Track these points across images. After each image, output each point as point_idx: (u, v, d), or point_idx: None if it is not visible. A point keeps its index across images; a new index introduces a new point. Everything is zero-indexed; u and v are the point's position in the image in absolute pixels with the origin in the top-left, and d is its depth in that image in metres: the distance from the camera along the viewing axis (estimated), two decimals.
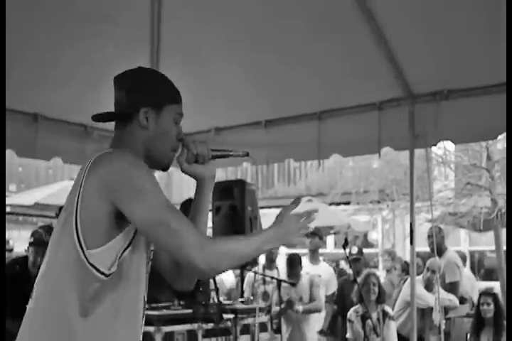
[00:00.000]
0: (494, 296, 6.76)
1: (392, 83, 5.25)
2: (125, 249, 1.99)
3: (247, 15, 5.08)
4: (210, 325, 4.85)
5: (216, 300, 5.07)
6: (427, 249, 8.06)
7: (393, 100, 5.41)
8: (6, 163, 4.99)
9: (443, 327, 6.27)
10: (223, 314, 4.90)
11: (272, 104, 5.91)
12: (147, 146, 2.15)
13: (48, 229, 6.04)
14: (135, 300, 2.09)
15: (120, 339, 2.02)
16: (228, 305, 5.30)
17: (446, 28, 4.74)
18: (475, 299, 7.59)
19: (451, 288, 7.64)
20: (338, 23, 4.92)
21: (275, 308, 6.07)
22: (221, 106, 6.09)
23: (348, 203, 13.52)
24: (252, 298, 5.56)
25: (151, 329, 4.56)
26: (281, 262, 7.33)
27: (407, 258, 6.97)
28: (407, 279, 7.06)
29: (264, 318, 5.07)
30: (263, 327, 4.98)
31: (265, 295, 6.29)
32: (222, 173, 14.31)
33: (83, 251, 1.93)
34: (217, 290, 5.21)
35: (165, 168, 2.24)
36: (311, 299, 6.45)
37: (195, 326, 4.82)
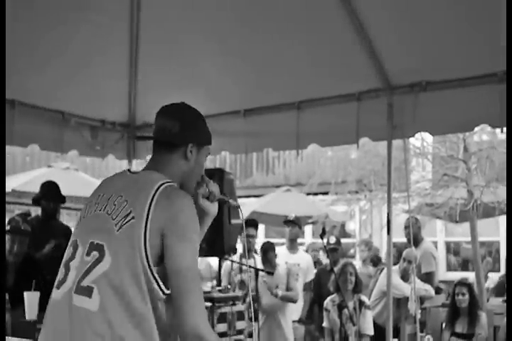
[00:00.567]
0: (469, 286, 6.84)
1: (371, 74, 5.27)
2: None
3: (225, 5, 5.07)
4: None
5: None
6: (404, 240, 8.12)
7: (372, 91, 5.43)
8: None
9: (418, 316, 6.33)
10: None
11: (251, 93, 5.91)
12: (184, 176, 2.45)
13: (25, 217, 6.02)
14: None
15: None
16: (205, 293, 5.30)
17: (425, 19, 4.76)
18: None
19: (427, 278, 7.72)
20: (317, 13, 4.92)
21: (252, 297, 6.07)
22: (200, 95, 6.07)
23: (326, 193, 13.56)
24: (229, 286, 5.57)
25: None
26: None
27: (384, 248, 7.02)
28: (383, 269, 7.11)
29: (241, 307, 5.08)
30: (240, 316, 4.99)
31: (242, 284, 6.30)
32: None
33: (150, 267, 2.20)
34: None
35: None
36: (288, 289, 6.47)
37: None
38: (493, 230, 14.16)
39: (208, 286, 5.59)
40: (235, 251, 4.91)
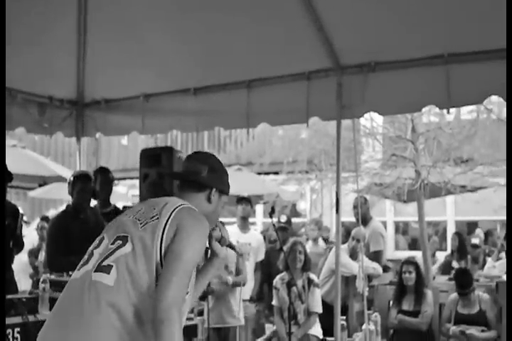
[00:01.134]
0: (416, 265, 6.96)
1: (321, 54, 5.29)
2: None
3: None
4: None
5: None
6: (353, 219, 8.19)
7: (321, 71, 5.45)
8: None
9: (366, 294, 6.41)
10: None
11: (201, 71, 5.88)
12: (203, 214, 2.68)
13: None
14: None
15: None
16: None
17: (375, 0, 4.79)
18: None
19: (375, 256, 7.81)
20: None
21: None
22: (150, 73, 6.03)
23: (277, 173, 13.60)
24: None
25: None
26: None
27: (334, 227, 7.09)
28: (332, 248, 7.17)
29: None
30: None
31: None
32: (151, 140, 14.16)
33: (161, 263, 2.46)
34: None
35: None
36: (237, 269, 6.46)
37: None
38: (440, 210, 14.40)
39: None
40: None
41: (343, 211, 5.54)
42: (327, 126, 9.81)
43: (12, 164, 6.44)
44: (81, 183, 5.45)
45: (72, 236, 5.35)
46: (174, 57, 5.74)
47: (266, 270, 7.69)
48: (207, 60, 5.69)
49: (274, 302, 6.46)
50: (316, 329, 6.33)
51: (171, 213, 2.55)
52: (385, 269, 8.11)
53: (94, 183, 5.66)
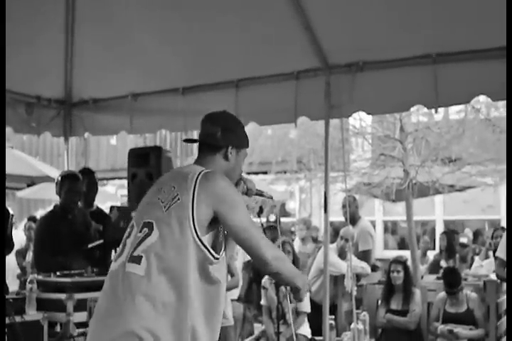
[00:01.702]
0: (404, 264, 6.96)
1: (309, 53, 5.29)
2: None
3: None
4: None
5: None
6: (342, 219, 8.20)
7: (310, 70, 5.45)
8: None
9: (355, 293, 6.41)
10: None
11: (189, 71, 5.87)
12: (224, 174, 2.76)
13: None
14: (221, 293, 2.72)
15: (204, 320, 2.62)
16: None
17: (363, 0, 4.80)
18: None
19: (364, 255, 7.83)
20: None
21: None
22: (138, 73, 6.02)
23: (266, 172, 13.60)
24: None
25: (62, 296, 4.50)
26: None
27: (323, 227, 7.10)
28: (321, 247, 7.18)
29: None
30: None
31: None
32: (140, 140, 14.13)
33: (199, 238, 2.57)
34: None
35: None
36: (230, 272, 6.44)
37: None
38: (428, 209, 14.45)
39: None
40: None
41: (332, 210, 5.55)
42: (316, 125, 9.82)
43: None
44: (69, 183, 5.43)
45: (60, 236, 5.33)
46: (162, 57, 5.72)
47: (255, 269, 7.69)
48: (195, 60, 5.68)
49: (262, 302, 6.46)
50: (305, 329, 6.34)
51: (194, 189, 2.62)
52: (374, 268, 8.13)
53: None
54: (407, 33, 4.91)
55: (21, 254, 8.85)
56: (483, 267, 8.53)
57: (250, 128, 9.26)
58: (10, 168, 8.67)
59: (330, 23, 5.07)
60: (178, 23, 5.35)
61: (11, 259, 8.46)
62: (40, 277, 4.78)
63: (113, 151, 17.06)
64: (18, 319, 4.22)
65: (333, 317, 5.98)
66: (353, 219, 7.87)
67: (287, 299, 6.21)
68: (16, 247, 8.54)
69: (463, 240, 10.03)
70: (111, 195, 14.31)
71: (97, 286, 4.71)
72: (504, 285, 6.69)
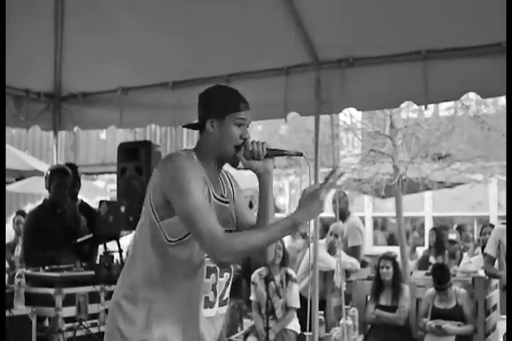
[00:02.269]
0: (393, 260, 6.98)
1: (299, 49, 5.28)
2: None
3: None
4: (113, 287, 4.81)
5: (120, 262, 5.04)
6: (332, 215, 8.20)
7: (300, 66, 5.45)
8: None
9: (344, 289, 6.42)
10: None
11: (180, 65, 5.85)
12: (215, 147, 2.64)
13: None
14: (186, 273, 2.57)
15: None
16: None
17: None
18: None
19: (353, 251, 7.84)
20: None
21: None
22: (128, 67, 5.99)
23: None
24: None
25: (51, 291, 4.50)
26: None
27: (312, 222, 7.10)
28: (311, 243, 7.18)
29: None
30: None
31: None
32: (130, 134, 14.09)
33: (157, 220, 2.53)
34: (120, 252, 5.18)
35: (233, 164, 2.68)
36: None
37: (97, 288, 4.78)
38: (418, 205, 14.50)
39: None
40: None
41: None
42: (306, 121, 9.83)
43: None
44: (58, 178, 5.42)
45: (49, 230, 5.33)
46: (152, 51, 5.70)
47: (244, 265, 7.70)
48: (185, 54, 5.67)
49: (251, 297, 6.46)
50: (294, 324, 6.35)
51: (157, 173, 2.56)
52: (363, 264, 8.14)
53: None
54: (397, 29, 4.92)
55: (10, 248, 8.82)
56: (472, 263, 8.56)
57: None
58: None
59: (320, 19, 5.06)
60: (168, 18, 5.34)
61: None
62: (28, 271, 4.77)
63: (103, 146, 17.01)
64: (6, 313, 4.21)
65: (322, 312, 5.99)
66: (343, 215, 7.88)
67: (277, 294, 6.23)
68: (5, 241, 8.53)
69: (452, 236, 10.06)
70: (100, 190, 14.26)
71: (86, 281, 4.77)
72: (492, 282, 6.73)
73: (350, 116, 9.91)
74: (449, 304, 6.51)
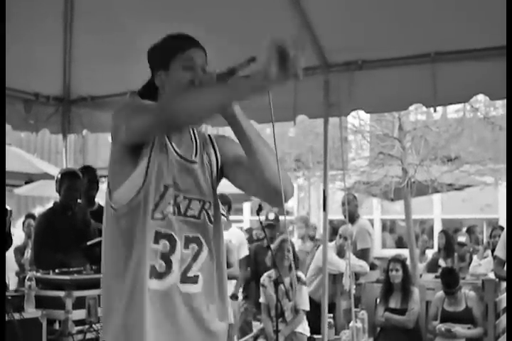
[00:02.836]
0: (402, 263, 6.98)
1: (308, 51, 5.27)
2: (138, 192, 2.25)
3: None
4: None
5: None
6: (340, 217, 8.21)
7: (309, 68, 5.44)
8: None
9: (353, 292, 6.43)
10: None
11: None
12: (169, 93, 2.31)
13: None
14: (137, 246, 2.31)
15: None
16: None
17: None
18: None
19: (362, 254, 7.83)
20: None
21: None
22: (137, 70, 5.98)
23: None
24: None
25: (61, 293, 4.52)
26: None
27: (321, 225, 7.10)
28: (319, 246, 7.18)
29: None
30: None
31: None
32: None
33: (109, 190, 2.34)
34: None
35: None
36: (228, 262, 6.45)
37: None
38: (427, 208, 14.47)
39: None
40: None
41: (331, 209, 5.54)
42: (314, 123, 9.83)
43: None
44: (69, 181, 5.43)
45: (59, 233, 5.34)
46: None
47: (253, 268, 7.69)
48: None
49: (261, 300, 6.46)
50: (304, 327, 6.34)
51: None
52: (372, 267, 8.13)
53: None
54: (406, 31, 4.91)
55: (20, 251, 8.85)
56: (482, 266, 8.54)
57: None
58: (8, 165, 8.62)
59: (329, 22, 5.06)
60: (177, 22, 5.33)
61: (9, 257, 8.47)
62: (38, 274, 4.79)
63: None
64: (16, 316, 4.23)
65: (331, 315, 5.98)
66: (352, 218, 7.88)
67: (286, 297, 6.22)
68: (15, 244, 8.57)
69: (461, 239, 10.04)
70: None
71: (96, 283, 4.77)
72: (502, 284, 6.71)
73: (358, 118, 9.92)
74: (458, 307, 6.50)
